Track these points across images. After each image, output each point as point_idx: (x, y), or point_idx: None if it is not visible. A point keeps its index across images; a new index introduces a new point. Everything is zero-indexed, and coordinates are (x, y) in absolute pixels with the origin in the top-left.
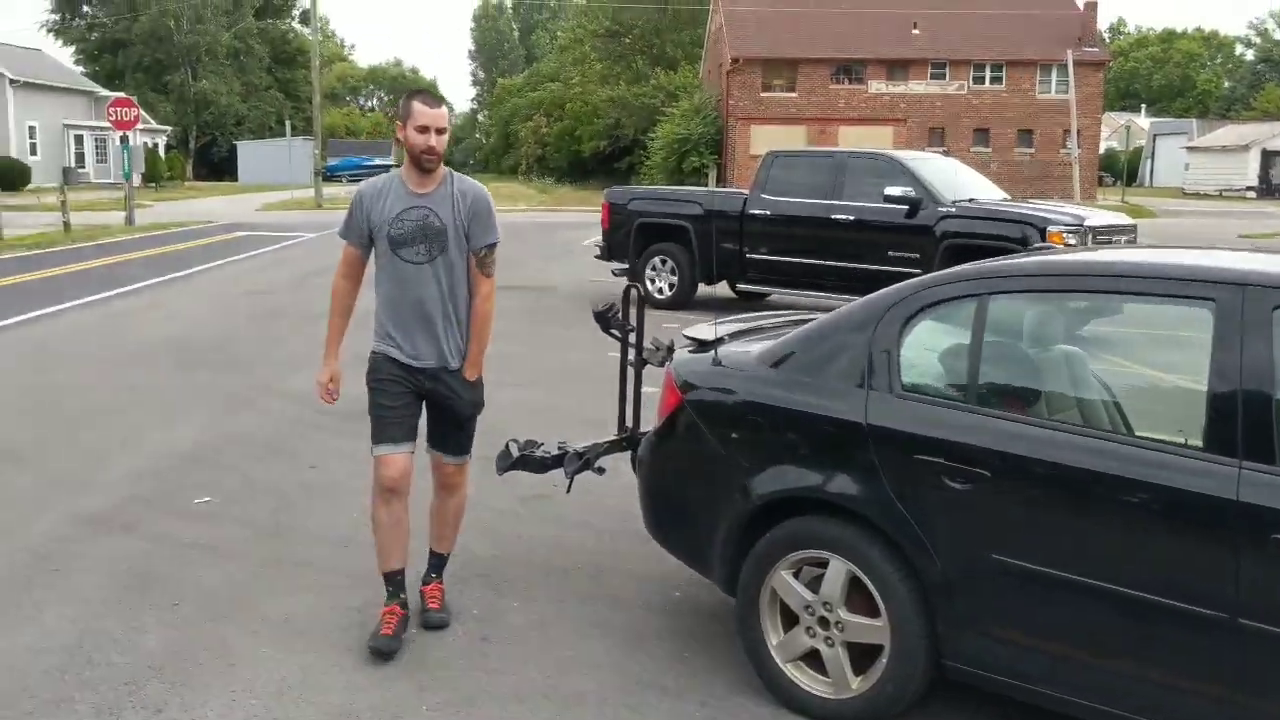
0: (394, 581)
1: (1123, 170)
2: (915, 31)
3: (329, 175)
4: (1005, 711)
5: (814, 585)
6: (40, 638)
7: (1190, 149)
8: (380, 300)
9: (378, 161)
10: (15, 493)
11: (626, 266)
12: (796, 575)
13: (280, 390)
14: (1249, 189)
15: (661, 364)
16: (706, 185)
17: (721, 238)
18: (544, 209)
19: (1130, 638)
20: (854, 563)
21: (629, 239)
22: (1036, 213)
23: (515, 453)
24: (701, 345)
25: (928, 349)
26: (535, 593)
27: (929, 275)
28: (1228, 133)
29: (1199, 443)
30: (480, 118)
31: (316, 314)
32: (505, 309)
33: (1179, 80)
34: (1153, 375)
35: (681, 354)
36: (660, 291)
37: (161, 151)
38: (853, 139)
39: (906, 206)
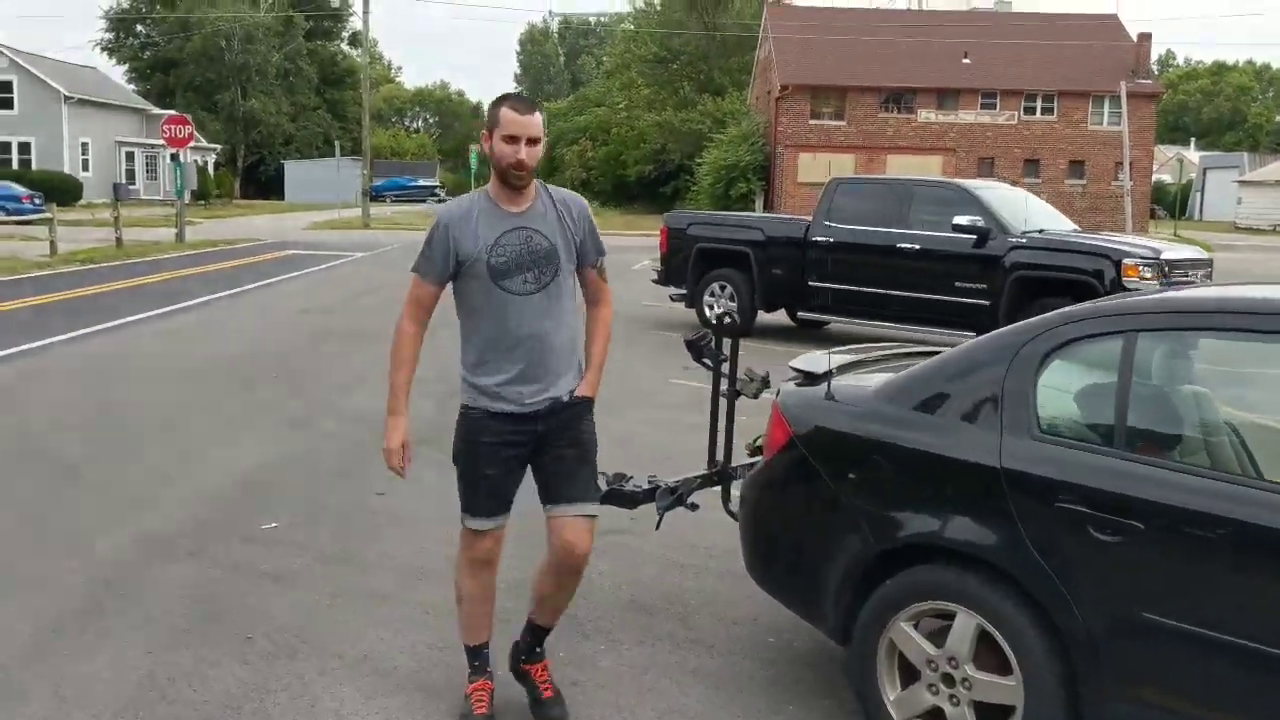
0: (480, 655)
1: (1174, 203)
2: (966, 61)
3: (374, 195)
4: None
5: (937, 638)
6: (111, 667)
7: (1243, 183)
8: (474, 344)
9: (422, 182)
10: (78, 511)
11: (685, 292)
12: (917, 627)
13: (340, 410)
14: None
15: (756, 395)
16: (754, 211)
17: (783, 264)
18: None
19: None
20: (984, 616)
21: (688, 264)
22: (1110, 245)
23: (604, 486)
24: (810, 378)
25: (1067, 389)
26: (622, 635)
27: (1067, 310)
28: None
29: None
30: None
31: (370, 334)
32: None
33: (1229, 113)
34: None
35: (789, 387)
36: (718, 318)
37: (211, 169)
38: (901, 168)
39: (975, 236)
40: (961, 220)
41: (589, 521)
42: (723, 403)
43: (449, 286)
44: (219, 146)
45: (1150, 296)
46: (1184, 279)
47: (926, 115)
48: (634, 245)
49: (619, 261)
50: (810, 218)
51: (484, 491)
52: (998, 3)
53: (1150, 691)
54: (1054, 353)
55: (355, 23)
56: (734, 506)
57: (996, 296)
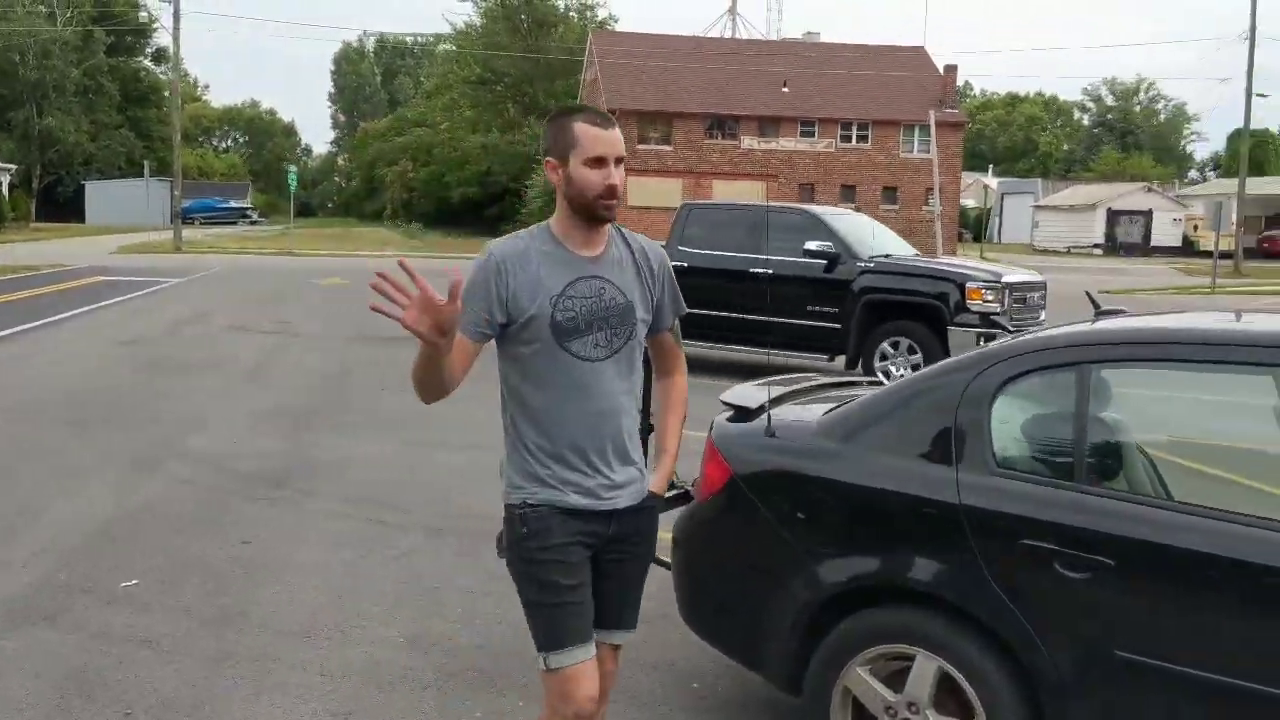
0: None
1: (981, 227)
2: (785, 90)
3: (183, 217)
4: None
5: (895, 683)
6: None
7: (1039, 207)
8: (528, 420)
9: (233, 204)
10: None
11: None
12: (873, 672)
13: (186, 452)
14: (1095, 246)
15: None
16: None
17: None
18: (417, 255)
19: None
20: (946, 659)
21: None
22: (954, 269)
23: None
24: (743, 413)
25: (1022, 422)
26: (537, 689)
27: (1019, 341)
28: (1075, 192)
29: None
30: (340, 161)
31: (201, 366)
32: (405, 362)
33: (1022, 142)
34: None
35: (721, 422)
36: None
37: (5, 190)
38: (727, 193)
39: (825, 261)
40: (812, 245)
41: (620, 652)
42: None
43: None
44: (13, 167)
45: (1103, 328)
46: (1023, 300)
47: (750, 142)
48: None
49: None
50: (663, 243)
51: (568, 610)
52: (805, 33)
53: None
54: (1007, 385)
55: (160, 38)
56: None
57: (847, 319)
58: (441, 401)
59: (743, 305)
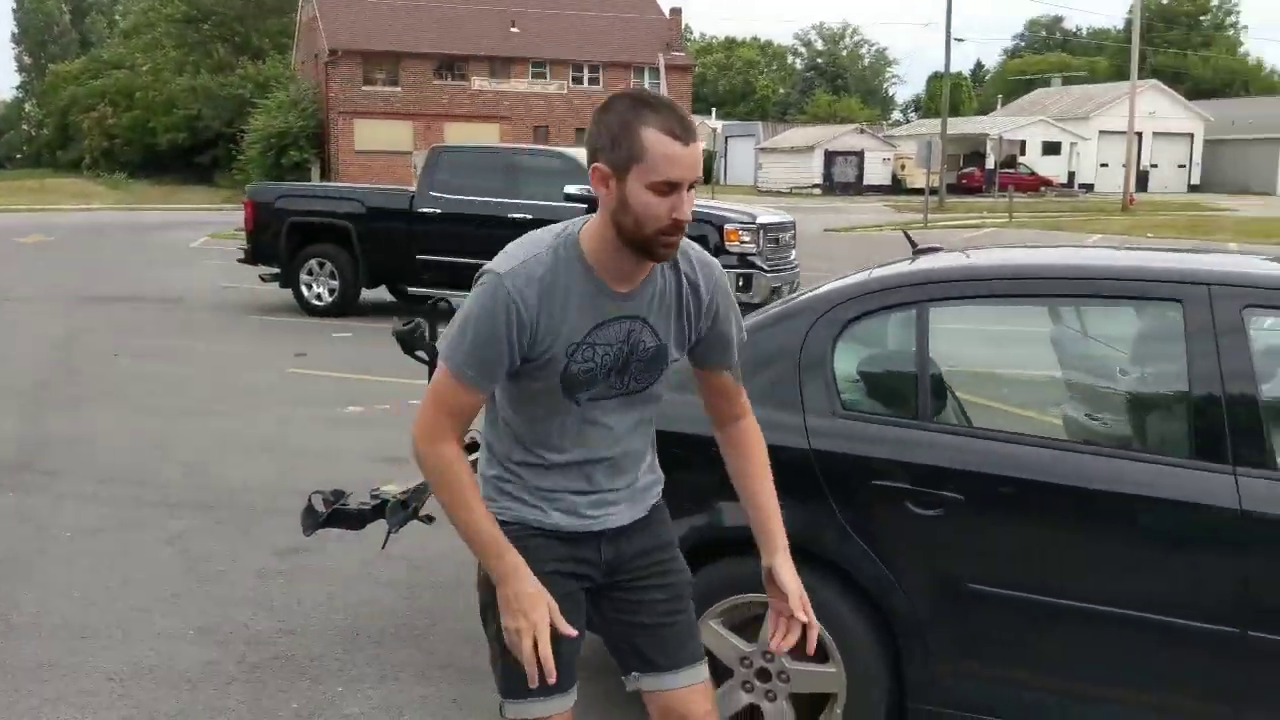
0: None
1: (711, 170)
2: (514, 30)
3: None
4: None
5: (746, 632)
6: None
7: (762, 150)
8: (512, 437)
9: None
10: None
11: (278, 271)
12: (724, 624)
13: None
14: (815, 186)
15: None
16: (310, 180)
17: (388, 238)
18: (124, 207)
19: (1133, 662)
20: None
21: (279, 240)
22: (712, 211)
23: (323, 508)
24: None
25: (863, 363)
26: (357, 672)
27: (858, 281)
28: (794, 135)
29: (1186, 451)
30: (28, 107)
31: None
32: (136, 324)
33: (741, 85)
34: (1124, 381)
35: None
36: (319, 298)
37: None
38: (459, 136)
39: (586, 205)
40: (572, 190)
41: (708, 688)
42: None
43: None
44: None
45: (939, 266)
46: (776, 240)
47: (480, 83)
48: (183, 220)
49: (171, 240)
50: (414, 188)
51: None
52: None
53: (980, 664)
54: (847, 327)
55: None
56: None
57: None
58: (179, 364)
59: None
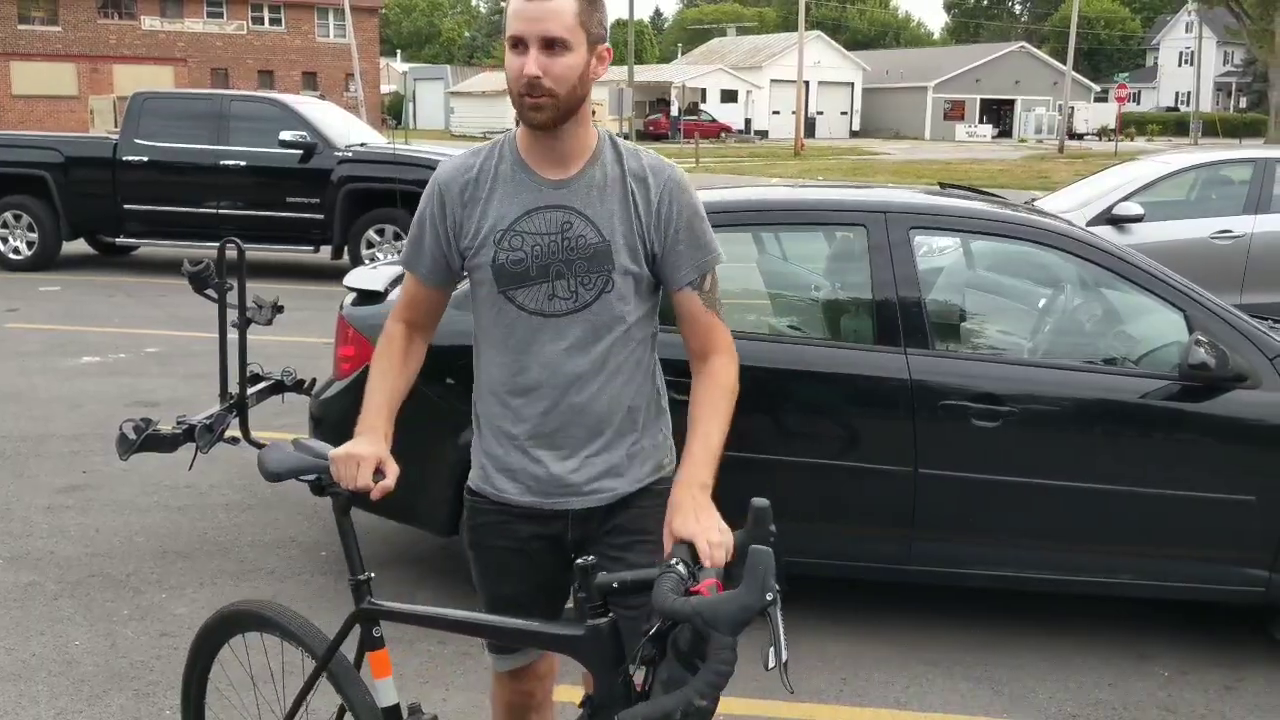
0: None
1: (399, 113)
2: None
3: None
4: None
5: None
6: None
7: (453, 94)
8: (480, 382)
9: None
10: None
11: None
12: None
13: None
14: (507, 130)
15: (269, 322)
16: None
17: (90, 187)
18: None
19: (836, 500)
20: None
21: None
22: (431, 155)
23: (134, 435)
24: (369, 295)
25: None
26: (174, 581)
27: None
28: (486, 79)
29: (871, 338)
30: None
31: None
32: None
33: (426, 27)
34: (827, 287)
35: (348, 305)
36: (16, 251)
37: None
38: (131, 79)
39: (302, 151)
40: (287, 135)
41: None
42: (232, 333)
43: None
44: None
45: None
46: None
47: (151, 22)
48: None
49: None
50: (117, 136)
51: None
52: None
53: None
54: None
55: None
56: (255, 436)
57: (330, 210)
58: None
59: (216, 199)
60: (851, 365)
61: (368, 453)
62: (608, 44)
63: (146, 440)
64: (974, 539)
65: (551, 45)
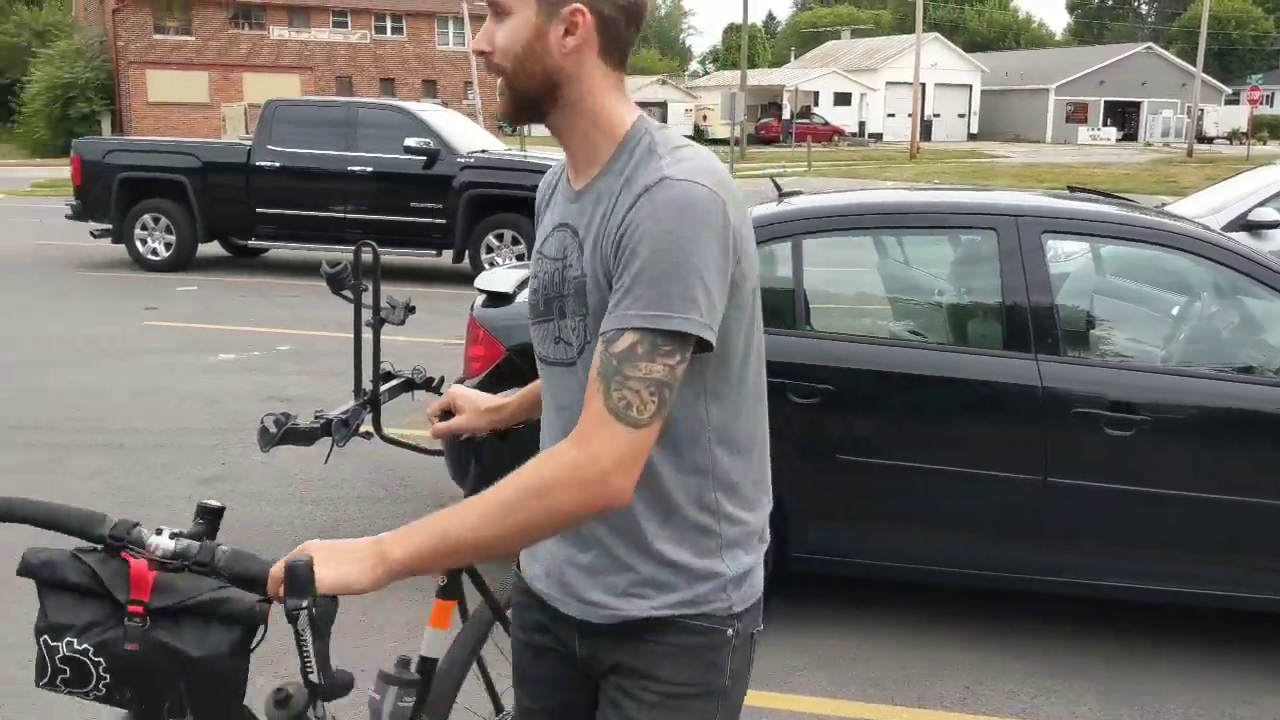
0: None
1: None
2: None
3: None
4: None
5: None
6: None
7: None
8: None
9: None
10: None
11: (109, 227)
12: None
13: None
14: None
15: (402, 322)
16: (100, 134)
17: (225, 192)
18: None
19: (961, 507)
20: None
21: (110, 195)
22: (546, 162)
23: (274, 428)
24: (499, 297)
25: None
26: None
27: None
28: None
29: (1000, 343)
30: None
31: None
32: None
33: None
34: (953, 292)
35: (478, 306)
36: (155, 253)
37: None
38: (260, 87)
39: (426, 157)
40: (412, 142)
41: None
42: (367, 332)
43: None
44: None
45: (806, 204)
46: None
47: (280, 32)
48: None
49: None
50: (250, 142)
51: None
52: None
53: (846, 518)
54: None
55: None
56: (388, 432)
57: (451, 215)
58: (28, 321)
59: (344, 204)
60: (978, 371)
61: (450, 394)
62: (578, 5)
63: (286, 433)
64: (1104, 550)
65: (496, 9)
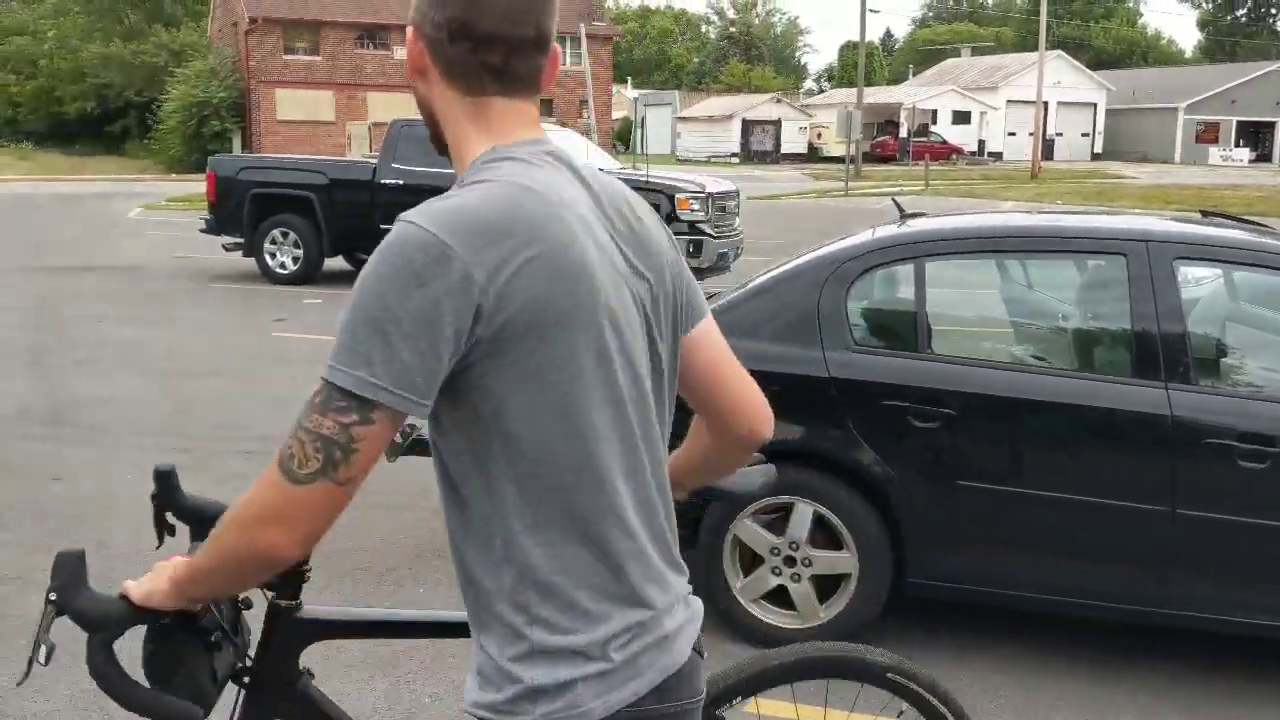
0: None
1: (630, 139)
2: None
3: None
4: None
5: (775, 529)
6: None
7: (681, 119)
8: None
9: None
10: None
11: (241, 241)
12: (755, 521)
13: None
14: (732, 155)
15: None
16: (231, 151)
17: (351, 208)
18: (41, 178)
19: (1087, 536)
20: (821, 503)
21: (242, 210)
22: (665, 181)
23: (400, 439)
24: None
25: (872, 305)
26: (430, 579)
27: (863, 240)
28: (711, 104)
29: (1128, 370)
30: None
31: None
32: (104, 292)
33: (656, 54)
34: (1079, 317)
35: None
36: (283, 266)
37: None
38: (383, 106)
39: None
40: None
41: None
42: None
43: None
44: None
45: (927, 227)
46: (723, 208)
47: (403, 53)
48: (108, 192)
49: (108, 211)
50: (375, 160)
51: None
52: None
53: (965, 544)
54: (859, 278)
55: None
56: None
57: None
58: (165, 330)
59: None
60: (1104, 398)
61: None
62: (410, 29)
63: (413, 444)
64: (1234, 584)
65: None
